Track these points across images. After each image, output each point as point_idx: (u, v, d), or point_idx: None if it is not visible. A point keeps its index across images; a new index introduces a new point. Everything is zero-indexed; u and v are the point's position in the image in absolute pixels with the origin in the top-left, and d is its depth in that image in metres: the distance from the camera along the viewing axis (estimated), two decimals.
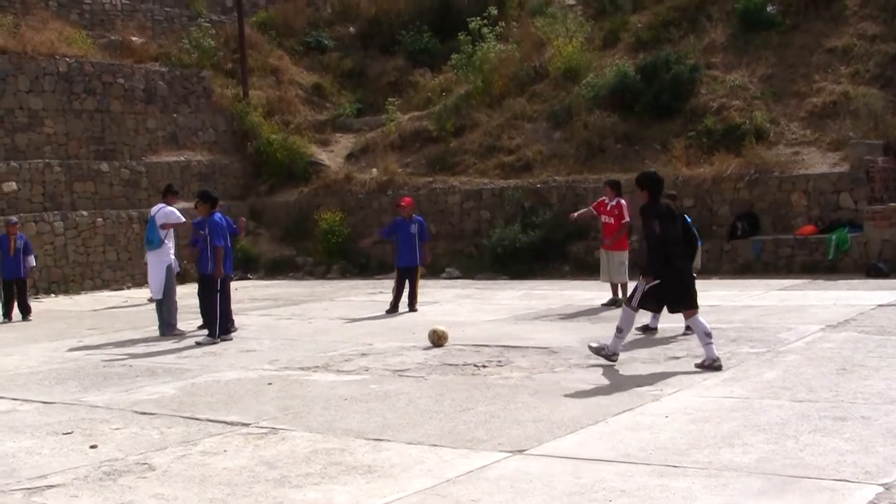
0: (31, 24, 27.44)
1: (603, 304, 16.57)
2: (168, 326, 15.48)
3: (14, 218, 20.84)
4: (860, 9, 25.56)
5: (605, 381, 9.89)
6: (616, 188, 16.89)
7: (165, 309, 15.54)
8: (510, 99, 28.21)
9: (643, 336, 12.86)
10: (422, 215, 19.23)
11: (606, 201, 16.80)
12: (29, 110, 25.35)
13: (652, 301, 10.80)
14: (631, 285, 16.22)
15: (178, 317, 15.79)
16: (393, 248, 18.52)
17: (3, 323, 18.82)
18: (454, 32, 31.19)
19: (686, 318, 10.86)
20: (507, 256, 23.20)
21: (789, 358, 10.80)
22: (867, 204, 20.44)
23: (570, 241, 23.24)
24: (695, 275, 11.63)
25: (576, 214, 18.36)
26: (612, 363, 10.61)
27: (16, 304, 19.25)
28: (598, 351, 10.73)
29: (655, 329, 13.11)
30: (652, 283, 10.49)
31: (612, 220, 16.66)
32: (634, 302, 10.76)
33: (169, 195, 16.42)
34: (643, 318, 12.44)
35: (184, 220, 16.09)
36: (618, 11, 30.20)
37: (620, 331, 10.72)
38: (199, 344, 14.20)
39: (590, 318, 15.20)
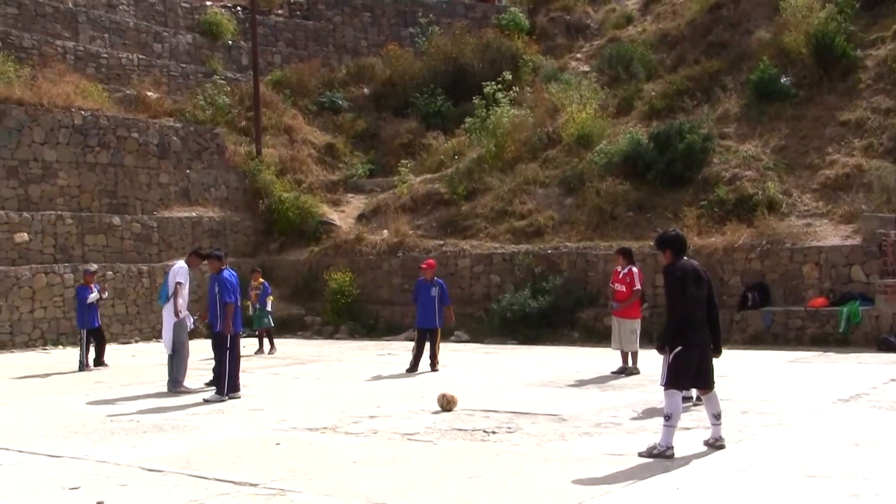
0: (48, 77, 27.73)
1: (613, 372, 16.45)
2: (175, 382, 15.44)
3: (92, 267, 21.03)
4: (874, 83, 25.74)
5: (616, 451, 9.78)
6: (628, 256, 16.87)
7: (175, 364, 15.52)
8: (522, 164, 28.35)
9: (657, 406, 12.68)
10: None
11: (619, 269, 16.80)
12: (43, 162, 25.53)
13: (684, 372, 9.62)
14: (642, 354, 16.34)
15: (187, 373, 15.75)
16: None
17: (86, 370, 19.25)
18: (468, 96, 31.52)
19: (702, 394, 10.17)
20: (516, 321, 23.14)
21: (800, 431, 10.70)
22: (879, 277, 20.37)
23: (580, 308, 23.22)
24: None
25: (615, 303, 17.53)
26: (669, 458, 9.27)
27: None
28: (649, 453, 9.38)
29: (691, 398, 12.00)
30: (675, 352, 9.57)
31: (623, 288, 16.63)
32: (663, 380, 9.84)
33: (192, 255, 16.40)
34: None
35: (179, 283, 15.99)
36: (632, 79, 30.50)
37: (669, 418, 9.50)
38: (206, 401, 14.14)
39: (599, 386, 15.08)
